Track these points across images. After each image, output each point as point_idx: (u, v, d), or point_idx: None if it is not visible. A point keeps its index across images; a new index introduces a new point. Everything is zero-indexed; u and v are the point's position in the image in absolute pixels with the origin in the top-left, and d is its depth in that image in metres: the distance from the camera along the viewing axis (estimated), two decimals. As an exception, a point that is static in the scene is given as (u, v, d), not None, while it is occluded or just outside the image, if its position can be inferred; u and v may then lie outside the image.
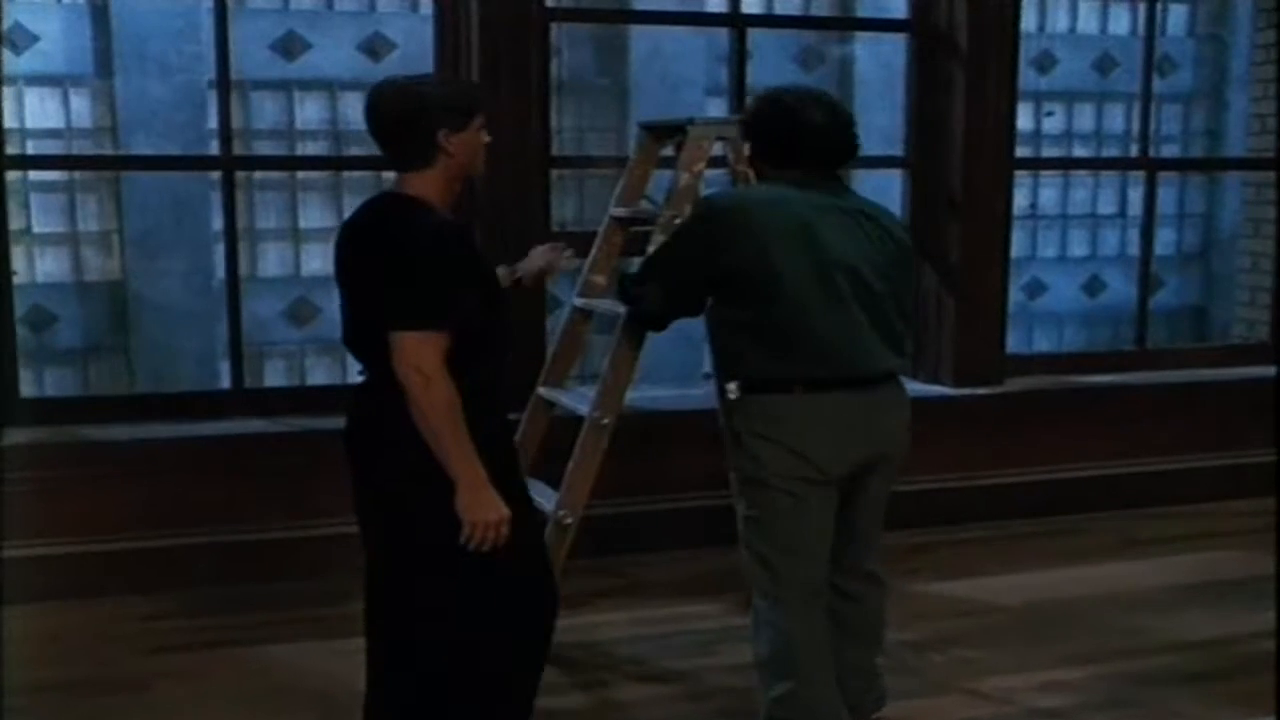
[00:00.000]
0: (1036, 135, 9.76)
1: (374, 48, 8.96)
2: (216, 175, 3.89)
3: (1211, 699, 2.88)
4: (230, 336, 3.84)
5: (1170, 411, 4.44)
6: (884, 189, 4.31)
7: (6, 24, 7.41)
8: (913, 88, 4.31)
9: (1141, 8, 5.45)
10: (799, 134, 2.42)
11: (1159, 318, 7.10)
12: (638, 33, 9.20)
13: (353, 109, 8.93)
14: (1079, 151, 10.11)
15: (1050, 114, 9.95)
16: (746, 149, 2.58)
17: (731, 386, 2.44)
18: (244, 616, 3.30)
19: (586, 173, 8.36)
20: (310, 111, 9.00)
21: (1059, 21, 10.11)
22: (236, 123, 8.15)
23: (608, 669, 3.03)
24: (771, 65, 8.72)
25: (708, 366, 3.45)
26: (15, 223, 8.01)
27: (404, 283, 2.06)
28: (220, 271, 4.44)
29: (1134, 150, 6.13)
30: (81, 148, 8.41)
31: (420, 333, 2.03)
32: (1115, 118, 10.19)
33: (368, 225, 2.19)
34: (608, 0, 5.90)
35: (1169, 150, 9.43)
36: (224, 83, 3.67)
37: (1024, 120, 5.03)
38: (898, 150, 4.42)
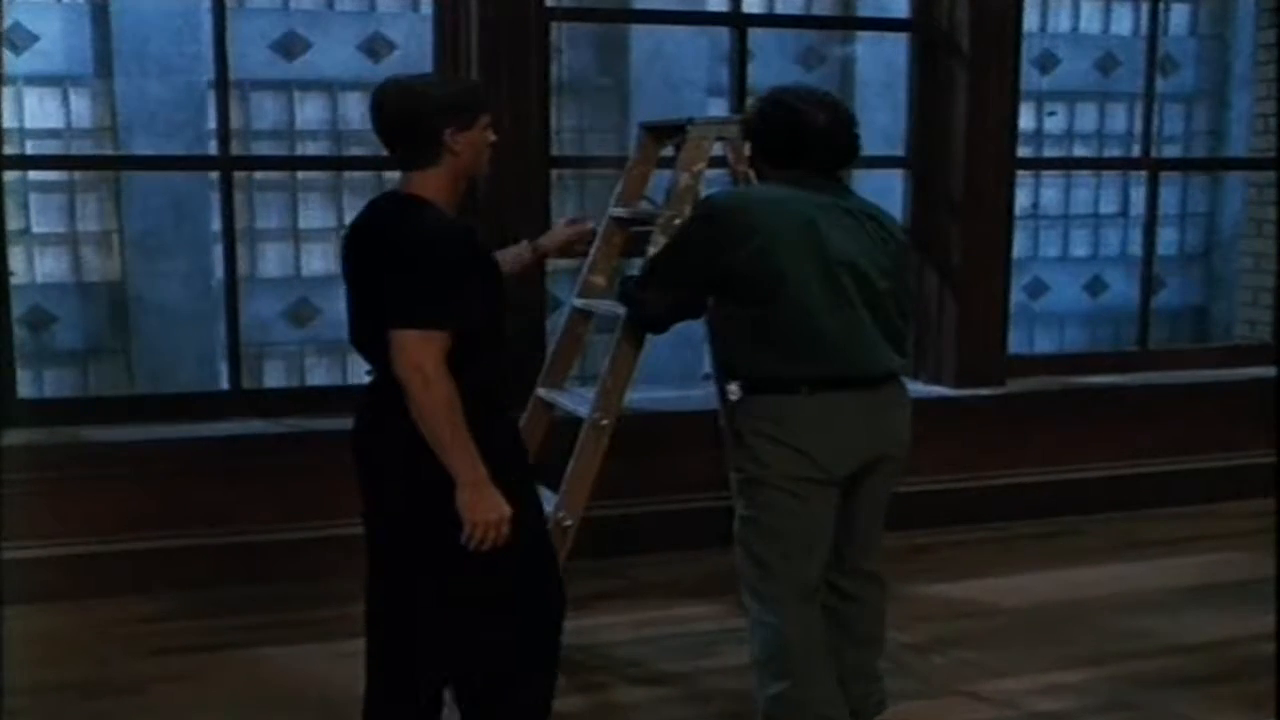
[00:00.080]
0: (1038, 135, 9.74)
1: (374, 48, 8.95)
2: (216, 175, 3.89)
3: (1213, 701, 2.87)
4: (229, 337, 3.83)
5: (1172, 412, 4.43)
6: (885, 189, 4.30)
7: (6, 24, 7.40)
8: (914, 87, 4.31)
9: (1144, 7, 5.45)
10: (801, 134, 2.42)
11: (1161, 318, 7.09)
12: (639, 32, 9.18)
13: (353, 109, 8.91)
14: (1081, 151, 10.09)
15: (1053, 114, 9.93)
16: (747, 149, 2.58)
17: (733, 387, 2.45)
18: (243, 618, 3.30)
19: (587, 173, 8.34)
20: (310, 111, 8.98)
21: (1061, 21, 10.09)
22: (236, 123, 8.15)
23: (607, 671, 3.02)
24: (773, 65, 8.71)
25: (708, 367, 3.45)
26: (14, 223, 8.03)
27: (405, 282, 2.06)
28: (220, 272, 4.43)
29: (1136, 150, 6.11)
30: (81, 148, 8.39)
31: (421, 332, 2.03)
32: (1117, 118, 10.17)
33: (372, 225, 2.19)
34: (608, 0, 5.89)
35: (1171, 150, 9.40)
36: (223, 83, 3.66)
37: (1026, 120, 5.01)
38: (899, 150, 4.41)
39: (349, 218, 8.97)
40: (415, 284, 2.05)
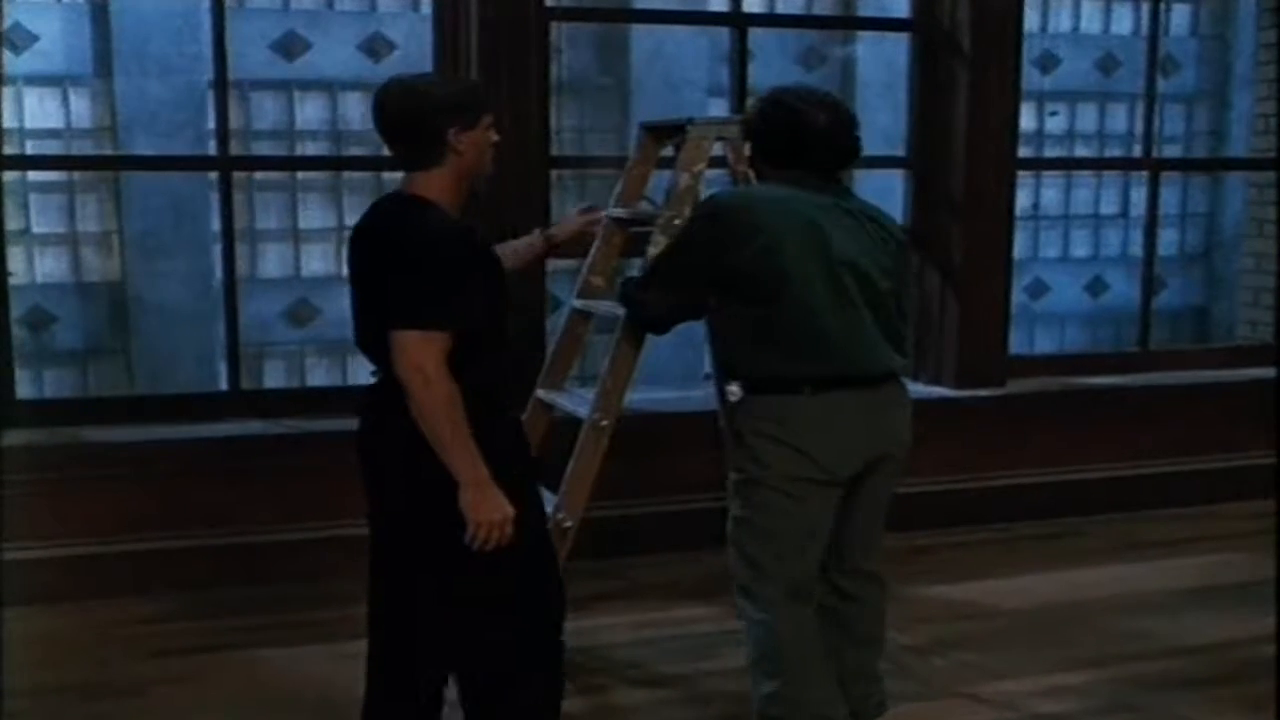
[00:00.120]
0: (1039, 135, 9.73)
1: (374, 48, 8.94)
2: (215, 176, 3.88)
3: (1215, 704, 2.87)
4: (228, 338, 3.83)
5: (1173, 413, 4.42)
6: (886, 189, 4.29)
7: (6, 24, 7.40)
8: (915, 88, 4.30)
9: (1145, 7, 5.45)
10: (802, 135, 2.43)
11: (1162, 318, 7.09)
12: (639, 32, 9.18)
13: (353, 109, 8.91)
14: (1081, 151, 10.08)
15: (1054, 114, 9.92)
16: (747, 149, 2.57)
17: (733, 388, 2.44)
18: (243, 619, 3.29)
19: (587, 173, 8.34)
20: (310, 112, 8.98)
21: (1062, 21, 10.08)
22: (237, 123, 8.14)
23: (607, 672, 3.02)
24: (773, 65, 8.70)
25: (708, 368, 3.44)
26: (14, 223, 8.02)
27: (407, 283, 2.06)
28: (220, 272, 4.43)
29: (1137, 150, 6.10)
30: (81, 148, 8.38)
31: (423, 333, 2.03)
32: (1118, 118, 10.17)
33: (375, 226, 2.19)
34: (609, 0, 5.88)
35: (1172, 150, 9.39)
36: (221, 83, 3.66)
37: (1026, 120, 5.01)
38: (900, 150, 4.40)
39: (349, 218, 9.03)
40: (417, 285, 2.05)
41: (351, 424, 3.63)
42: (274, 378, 8.89)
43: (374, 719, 2.29)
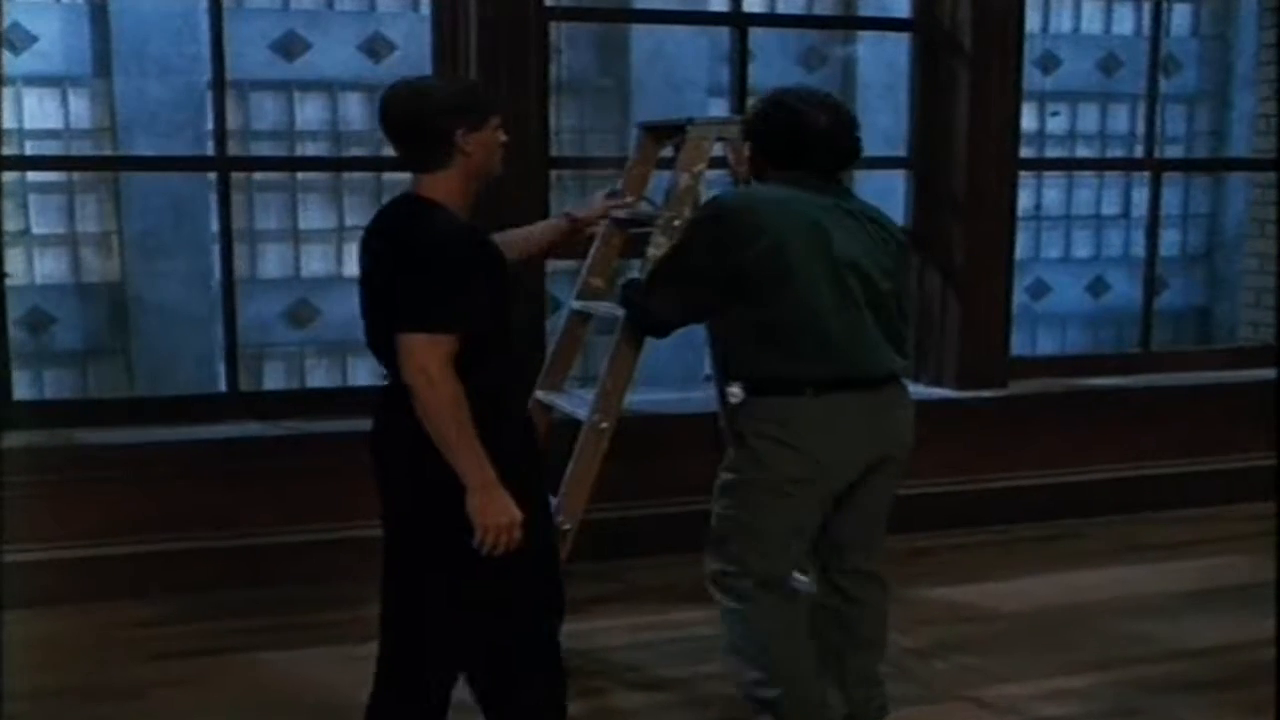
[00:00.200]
0: (1040, 135, 9.73)
1: (374, 48, 8.94)
2: (214, 176, 3.88)
3: (1218, 707, 2.86)
4: (226, 339, 3.82)
5: (1175, 415, 4.41)
6: (887, 190, 4.28)
7: (5, 24, 7.39)
8: (916, 88, 4.29)
9: (1146, 8, 5.44)
10: (803, 136, 2.42)
11: (1163, 319, 7.07)
12: (639, 32, 9.18)
13: (353, 109, 8.91)
14: (1083, 152, 10.08)
15: (1056, 114, 9.92)
16: (746, 149, 2.56)
17: (734, 389, 2.43)
18: (243, 622, 3.28)
19: (587, 173, 8.34)
20: (310, 112, 8.98)
21: (1063, 21, 10.08)
22: (236, 123, 8.15)
23: (605, 675, 3.00)
24: (774, 66, 8.70)
25: (708, 369, 3.42)
26: (14, 224, 8.02)
27: (412, 285, 2.06)
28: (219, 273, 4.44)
29: (1138, 150, 6.10)
30: (80, 148, 8.39)
31: (428, 335, 2.03)
32: (1119, 118, 10.16)
33: (383, 228, 2.19)
34: (609, 0, 5.88)
35: (1173, 151, 9.39)
36: (219, 83, 3.65)
37: (1028, 121, 5.00)
38: (901, 151, 4.39)
39: (349, 219, 9.04)
40: (423, 287, 2.05)
41: (351, 425, 3.63)
42: (274, 379, 8.90)
43: (382, 719, 2.27)
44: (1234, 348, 5.10)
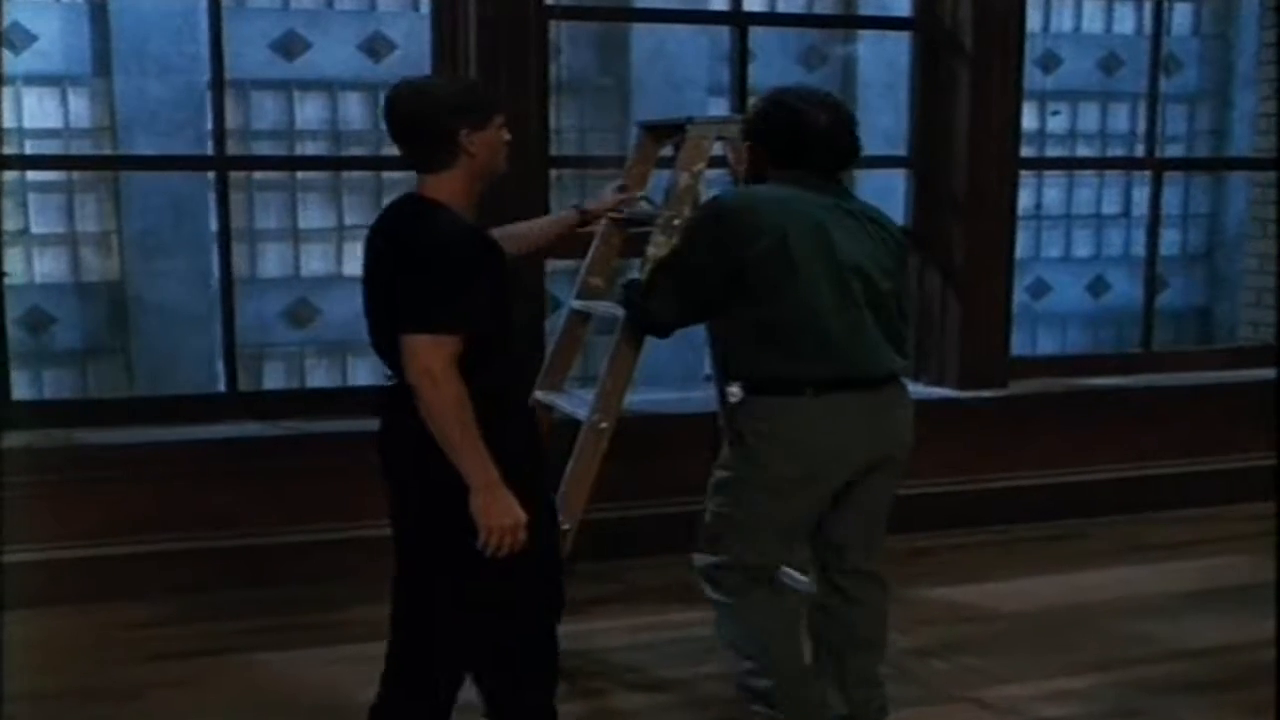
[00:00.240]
0: (1041, 135, 9.72)
1: (374, 47, 8.93)
2: (213, 175, 3.87)
3: (1219, 708, 2.85)
4: (224, 339, 3.81)
5: (1176, 415, 4.40)
6: (887, 189, 4.27)
7: (5, 23, 7.38)
8: (916, 87, 4.28)
9: (1146, 7, 5.44)
10: (804, 135, 2.42)
11: (1163, 318, 7.06)
12: (640, 32, 9.18)
13: (353, 109, 8.90)
14: (1083, 151, 10.07)
15: (1057, 113, 9.91)
16: (746, 149, 2.55)
17: (734, 389, 2.43)
18: (242, 623, 3.27)
19: (587, 173, 8.34)
20: (310, 111, 8.97)
21: (1064, 21, 10.07)
22: (236, 123, 8.14)
23: (605, 676, 2.99)
24: (774, 65, 8.70)
25: (708, 369, 3.42)
26: (13, 223, 8.01)
27: (415, 286, 2.05)
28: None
29: (1139, 150, 6.09)
30: (80, 148, 8.38)
31: (431, 336, 2.03)
32: (1120, 117, 10.16)
33: (387, 228, 2.18)
34: (609, -1, 5.87)
35: (1173, 150, 9.38)
36: (218, 83, 3.64)
37: (1028, 120, 4.99)
38: (901, 150, 4.38)
39: (349, 218, 9.02)
40: (425, 287, 2.05)
41: (350, 425, 3.64)
42: (274, 378, 8.89)
43: (389, 717, 2.27)
44: (1235, 347, 5.09)
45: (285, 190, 8.98)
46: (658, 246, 2.76)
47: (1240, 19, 9.50)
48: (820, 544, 2.51)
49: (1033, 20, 4.52)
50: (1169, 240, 8.96)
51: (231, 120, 3.76)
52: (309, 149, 8.86)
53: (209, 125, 7.54)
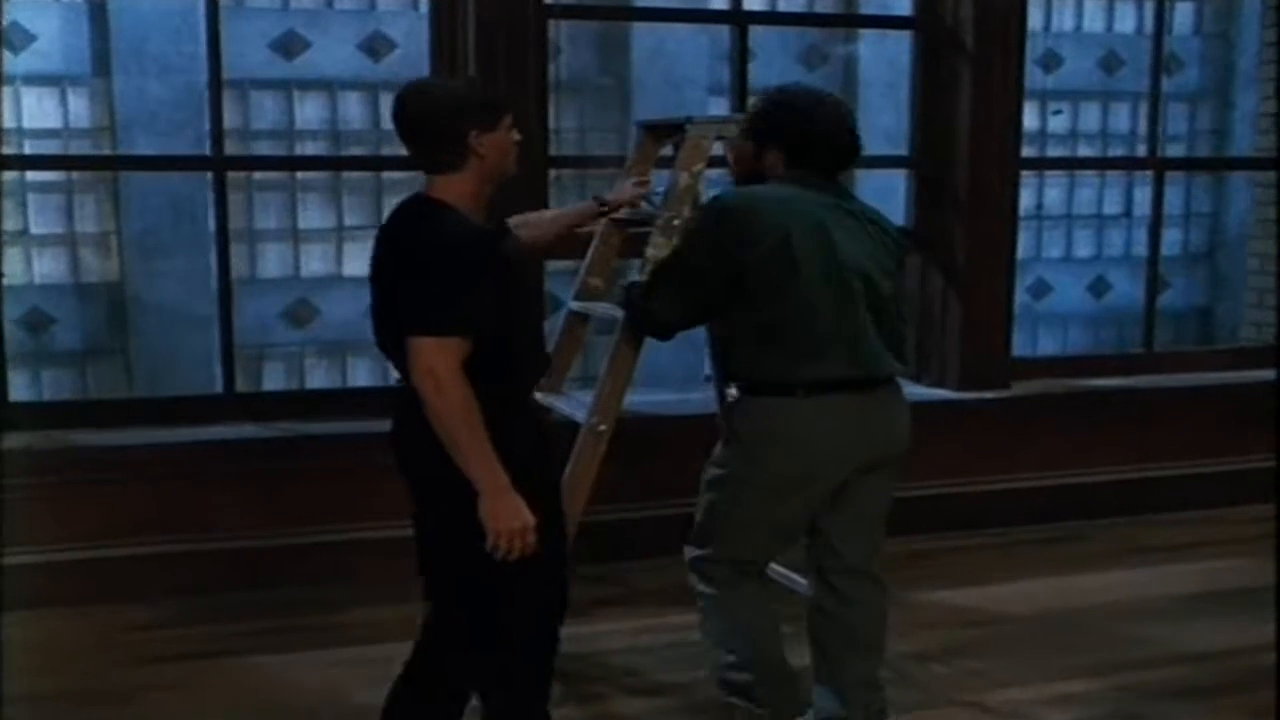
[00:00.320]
0: (1042, 134, 9.70)
1: (374, 47, 8.91)
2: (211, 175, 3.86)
3: (1220, 713, 2.84)
4: (222, 339, 3.81)
5: (1178, 416, 4.39)
6: (888, 189, 4.26)
7: (5, 23, 7.37)
8: (917, 86, 4.27)
9: (1148, 6, 5.42)
10: (811, 135, 2.42)
11: (1164, 319, 7.04)
12: (640, 31, 9.16)
13: (353, 109, 8.89)
14: (1084, 151, 10.05)
15: (1058, 112, 9.89)
16: (750, 148, 2.53)
17: (734, 391, 2.45)
18: (240, 625, 3.26)
19: (587, 173, 8.33)
20: (310, 111, 8.96)
21: (1065, 20, 10.05)
22: (236, 122, 8.13)
23: (605, 680, 2.99)
24: (775, 64, 8.68)
25: (709, 370, 3.40)
26: (13, 223, 8.00)
27: (419, 288, 2.05)
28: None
29: (1140, 149, 6.07)
30: (79, 148, 8.36)
31: (436, 338, 2.02)
32: (1121, 117, 10.13)
33: (395, 229, 2.18)
34: (608, -2, 5.86)
35: (1174, 150, 9.36)
36: (215, 82, 3.63)
37: (1029, 119, 4.97)
38: (902, 150, 4.37)
39: (348, 218, 8.99)
40: (429, 289, 2.04)
41: (350, 427, 3.63)
42: (273, 379, 8.87)
43: (403, 714, 2.26)
44: (1236, 348, 5.08)
45: (285, 190, 8.96)
46: (657, 248, 2.74)
47: (1242, 18, 9.47)
48: (816, 544, 2.50)
49: (1034, 19, 4.50)
50: (1170, 240, 8.94)
51: (231, 120, 3.75)
52: (309, 149, 8.85)
53: (208, 125, 7.56)
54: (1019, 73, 4.15)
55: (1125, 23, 10.13)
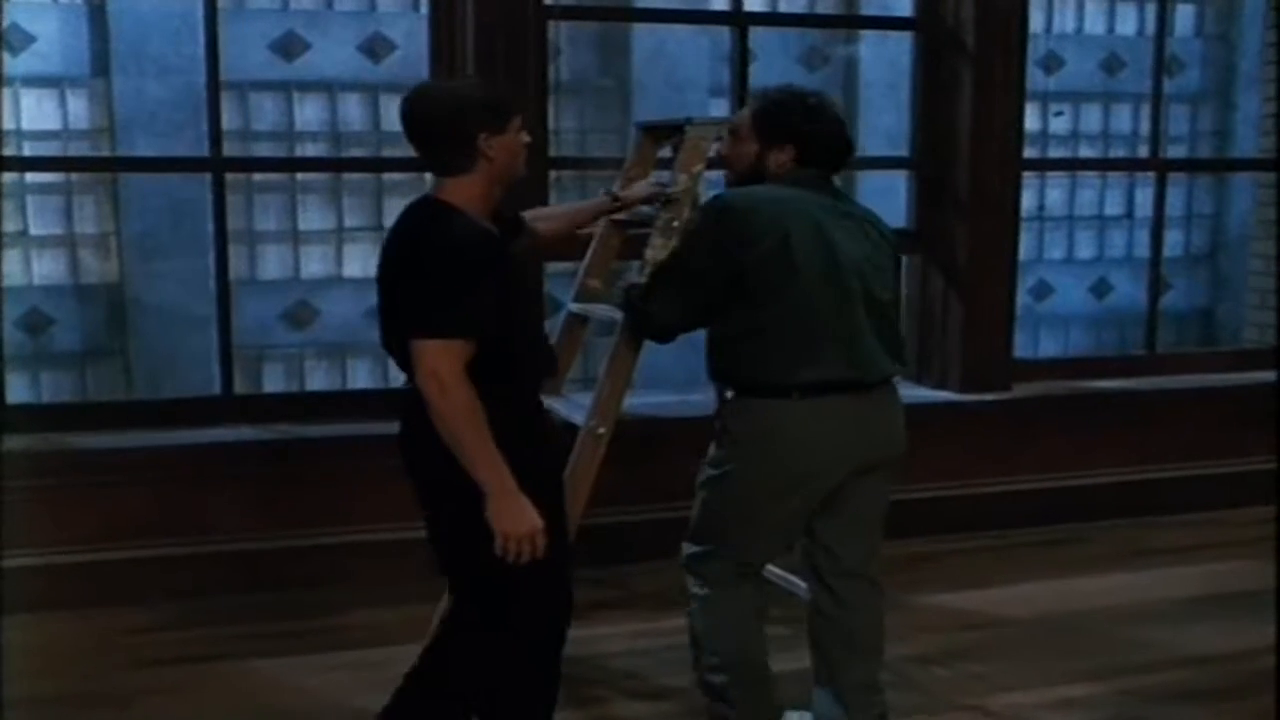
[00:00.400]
0: (1043, 136, 9.69)
1: (374, 48, 8.90)
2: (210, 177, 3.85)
3: (1223, 717, 2.84)
4: (221, 341, 3.80)
5: (1180, 417, 4.38)
6: (889, 190, 4.25)
7: (4, 24, 7.37)
8: (919, 88, 4.26)
9: (1149, 7, 5.41)
10: (813, 134, 2.42)
11: (1166, 320, 7.03)
12: (640, 32, 9.15)
13: (352, 110, 8.88)
14: (1085, 152, 10.04)
15: (1060, 113, 9.88)
16: (754, 146, 2.52)
17: (730, 390, 2.44)
18: (239, 628, 3.26)
19: (587, 174, 8.32)
20: (310, 112, 8.95)
21: (1066, 21, 10.04)
22: (235, 124, 8.12)
23: (605, 684, 2.98)
24: (775, 65, 8.67)
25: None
26: (12, 225, 7.99)
27: (424, 290, 2.05)
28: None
29: (1142, 151, 6.06)
30: (79, 149, 8.35)
31: (440, 340, 2.02)
32: (1122, 118, 10.12)
33: (401, 231, 2.18)
34: (609, -1, 5.85)
35: (1176, 151, 9.35)
36: (214, 84, 3.62)
37: (1031, 121, 4.96)
38: (903, 151, 4.36)
39: (348, 220, 8.98)
40: (432, 291, 2.04)
41: (349, 429, 3.62)
42: (273, 380, 8.87)
43: (411, 713, 2.26)
44: (1239, 350, 5.07)
45: (285, 191, 8.96)
46: (655, 249, 2.73)
47: (1243, 20, 9.47)
48: (812, 546, 2.50)
49: (1035, 21, 4.49)
50: (1171, 241, 8.94)
51: (231, 121, 3.74)
52: (309, 150, 8.84)
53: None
54: (1020, 74, 4.15)
55: (1127, 24, 10.12)
